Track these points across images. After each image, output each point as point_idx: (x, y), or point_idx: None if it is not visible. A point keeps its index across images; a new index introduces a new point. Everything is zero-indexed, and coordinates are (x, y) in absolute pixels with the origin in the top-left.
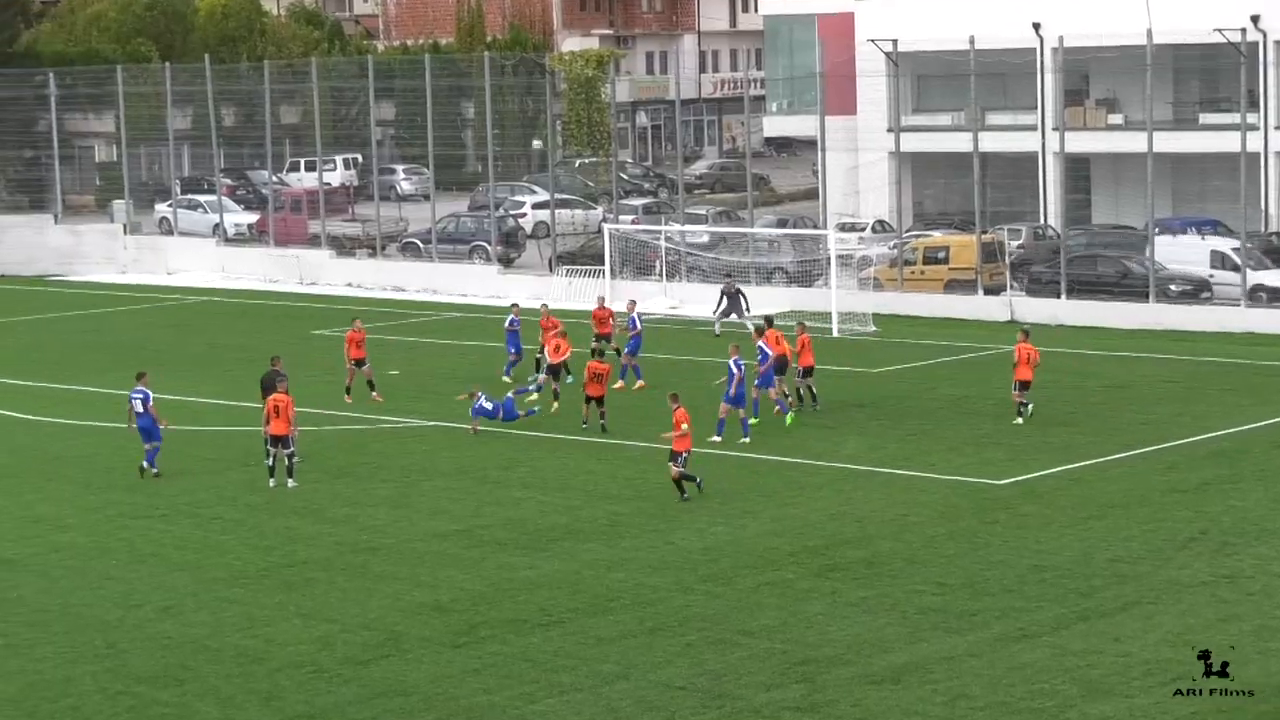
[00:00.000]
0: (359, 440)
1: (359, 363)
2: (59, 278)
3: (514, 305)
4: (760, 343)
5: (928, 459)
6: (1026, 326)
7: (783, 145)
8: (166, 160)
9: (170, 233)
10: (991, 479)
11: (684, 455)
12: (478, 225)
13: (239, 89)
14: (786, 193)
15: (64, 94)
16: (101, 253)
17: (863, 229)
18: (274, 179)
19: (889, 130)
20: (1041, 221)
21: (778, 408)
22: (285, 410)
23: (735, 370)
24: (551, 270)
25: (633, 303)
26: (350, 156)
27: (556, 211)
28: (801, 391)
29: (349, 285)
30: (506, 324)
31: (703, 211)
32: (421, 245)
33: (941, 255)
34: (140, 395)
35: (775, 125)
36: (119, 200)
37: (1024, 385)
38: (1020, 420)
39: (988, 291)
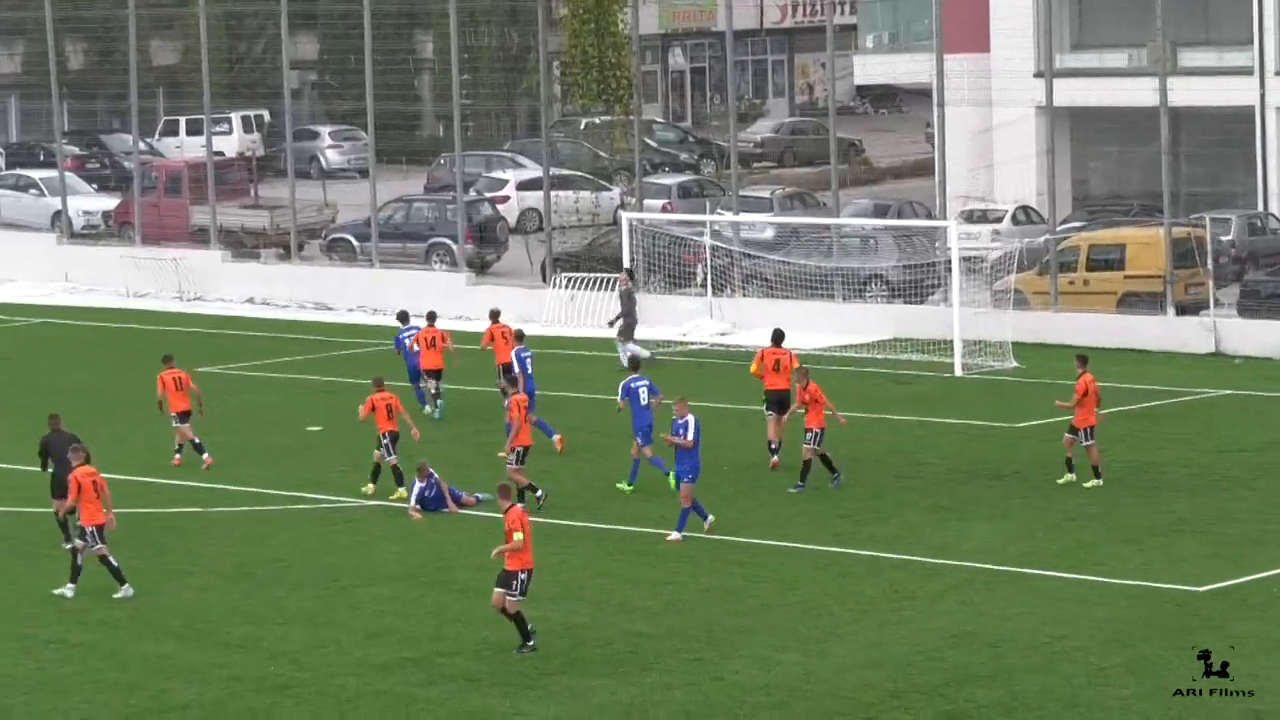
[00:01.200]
0: (262, 527)
1: (181, 416)
2: None
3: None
4: (637, 383)
5: (1093, 555)
6: (1083, 352)
7: (882, 98)
8: None
9: None
10: (1188, 584)
11: (521, 577)
12: (438, 214)
13: (91, 16)
14: (887, 166)
15: None
16: None
17: (998, 219)
18: (142, 146)
19: (1036, 75)
20: (1260, 208)
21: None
22: (103, 489)
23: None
24: (545, 279)
25: (519, 333)
26: (253, 114)
27: (553, 194)
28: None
29: (250, 301)
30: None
31: (766, 194)
32: (356, 243)
33: (1114, 257)
34: None
35: (871, 68)
36: None
37: (1090, 432)
38: (1072, 476)
39: (1181, 310)
